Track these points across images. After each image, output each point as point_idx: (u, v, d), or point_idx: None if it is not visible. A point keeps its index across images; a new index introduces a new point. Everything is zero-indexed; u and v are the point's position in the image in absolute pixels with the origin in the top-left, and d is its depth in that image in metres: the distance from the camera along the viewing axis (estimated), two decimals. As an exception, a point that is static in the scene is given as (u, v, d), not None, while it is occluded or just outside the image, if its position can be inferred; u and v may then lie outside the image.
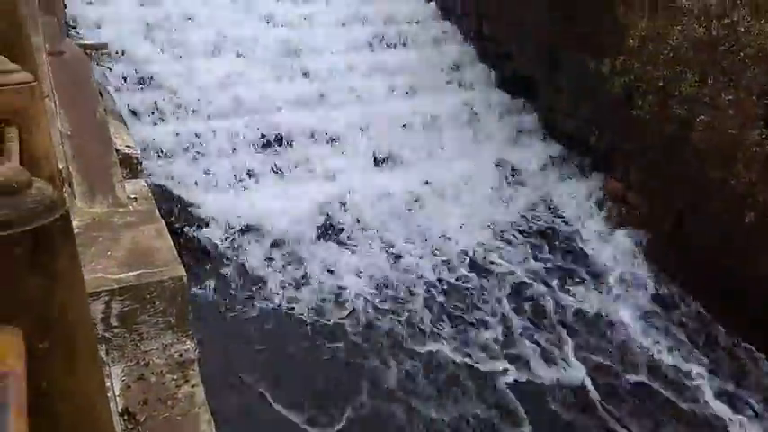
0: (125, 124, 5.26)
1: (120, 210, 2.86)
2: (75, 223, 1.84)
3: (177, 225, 5.94)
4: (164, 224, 2.68)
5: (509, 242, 6.86)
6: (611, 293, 6.27)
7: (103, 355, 1.88)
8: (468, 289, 6.18)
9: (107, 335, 1.94)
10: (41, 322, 0.87)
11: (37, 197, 0.89)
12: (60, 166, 2.74)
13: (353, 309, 5.72)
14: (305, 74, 7.55)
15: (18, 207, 0.85)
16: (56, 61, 3.90)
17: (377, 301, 5.87)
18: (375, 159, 7.22)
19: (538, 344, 5.60)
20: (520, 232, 7.01)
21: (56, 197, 0.91)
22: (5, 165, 0.91)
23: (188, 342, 1.96)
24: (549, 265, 6.60)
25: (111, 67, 6.44)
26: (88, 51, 5.74)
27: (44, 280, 0.88)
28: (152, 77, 6.79)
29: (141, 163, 3.38)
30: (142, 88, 6.74)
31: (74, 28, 6.74)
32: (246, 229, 6.22)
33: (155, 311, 1.98)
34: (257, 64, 7.39)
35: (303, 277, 5.99)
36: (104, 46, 6.25)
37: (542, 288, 6.24)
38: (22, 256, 0.84)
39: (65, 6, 6.54)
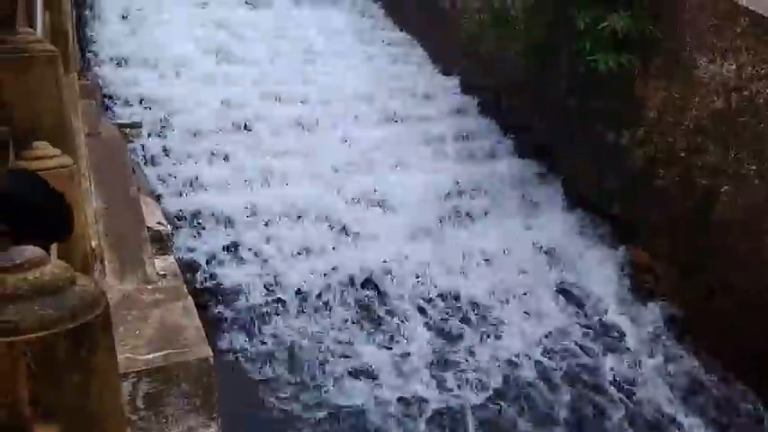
0: (157, 201, 5.42)
1: (149, 287, 2.91)
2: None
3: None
4: (191, 301, 2.72)
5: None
6: (639, 364, 6.12)
7: (129, 439, 1.87)
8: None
9: (133, 417, 1.94)
10: (80, 417, 0.89)
11: (80, 295, 0.92)
12: (94, 244, 2.82)
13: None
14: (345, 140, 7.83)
15: (61, 306, 0.88)
16: (93, 141, 4.08)
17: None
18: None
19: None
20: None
21: (97, 294, 0.94)
22: (50, 263, 0.95)
23: (212, 425, 1.95)
24: (576, 334, 6.50)
25: (143, 144, 6.69)
26: (123, 129, 6.00)
27: (84, 375, 0.90)
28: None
29: (171, 239, 3.46)
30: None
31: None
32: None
33: (180, 393, 1.98)
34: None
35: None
36: (138, 124, 6.53)
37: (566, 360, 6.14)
38: (63, 354, 0.87)
39: (102, 88, 6.90)
